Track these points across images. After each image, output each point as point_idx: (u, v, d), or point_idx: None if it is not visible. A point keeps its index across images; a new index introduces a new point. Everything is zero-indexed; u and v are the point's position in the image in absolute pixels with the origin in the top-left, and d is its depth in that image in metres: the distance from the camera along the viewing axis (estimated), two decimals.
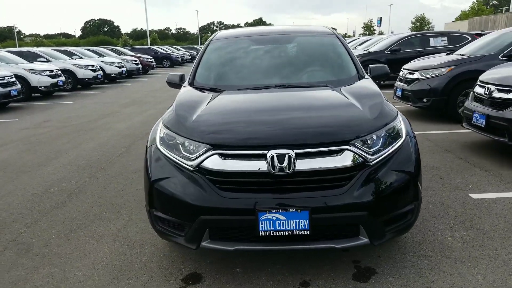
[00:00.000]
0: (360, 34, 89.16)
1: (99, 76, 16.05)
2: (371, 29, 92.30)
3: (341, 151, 2.37)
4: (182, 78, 3.76)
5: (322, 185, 2.36)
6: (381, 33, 73.86)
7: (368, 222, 2.36)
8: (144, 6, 48.76)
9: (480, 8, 55.28)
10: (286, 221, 2.32)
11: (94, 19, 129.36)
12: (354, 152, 2.38)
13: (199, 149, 2.47)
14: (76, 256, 3.05)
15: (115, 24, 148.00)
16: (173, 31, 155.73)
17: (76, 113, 9.90)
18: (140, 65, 21.67)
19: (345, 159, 2.37)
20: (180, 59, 32.79)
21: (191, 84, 3.47)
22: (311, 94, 3.08)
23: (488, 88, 4.91)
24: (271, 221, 2.32)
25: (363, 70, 3.55)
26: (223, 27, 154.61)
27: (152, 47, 34.19)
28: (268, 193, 2.36)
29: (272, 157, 2.32)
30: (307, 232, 2.32)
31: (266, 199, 2.33)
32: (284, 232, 2.33)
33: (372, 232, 2.39)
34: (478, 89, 5.20)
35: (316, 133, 2.44)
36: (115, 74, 18.00)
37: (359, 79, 3.39)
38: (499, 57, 6.94)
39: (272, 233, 2.33)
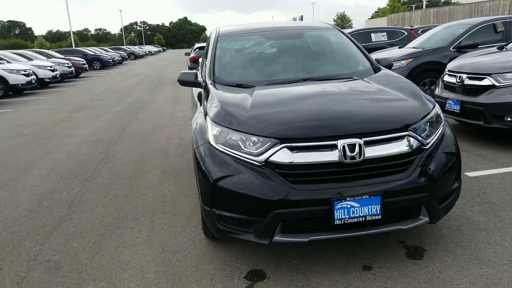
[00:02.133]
0: None
1: (33, 81, 14.77)
2: None
3: (403, 137, 2.51)
4: (196, 76, 3.66)
5: (388, 170, 2.47)
6: None
7: (428, 202, 2.53)
8: (60, 6, 45.62)
9: (395, 5, 59.64)
10: (360, 207, 2.40)
11: (3, 21, 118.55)
12: (413, 137, 2.53)
13: (264, 143, 2.46)
14: (117, 267, 2.86)
15: (27, 26, 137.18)
16: (93, 32, 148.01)
17: (24, 121, 9.08)
18: (73, 68, 20.34)
19: (406, 145, 2.50)
20: (111, 60, 31.27)
21: (214, 81, 3.39)
22: (352, 85, 3.18)
23: (460, 76, 5.40)
24: (346, 209, 2.39)
25: (375, 61, 3.73)
26: (147, 27, 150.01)
27: (80, 49, 32.12)
28: (341, 182, 2.42)
29: (344, 147, 2.38)
30: (379, 217, 2.43)
31: (339, 188, 2.39)
32: (358, 218, 2.41)
33: (431, 211, 2.56)
34: (448, 78, 5.68)
35: (381, 121, 2.55)
36: (48, 78, 16.68)
37: (376, 70, 3.55)
38: (450, 48, 7.64)
39: (347, 220, 2.40)
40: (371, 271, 2.63)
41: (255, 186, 2.42)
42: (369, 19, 70.51)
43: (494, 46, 6.76)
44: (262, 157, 2.44)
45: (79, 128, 8.03)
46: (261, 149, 2.46)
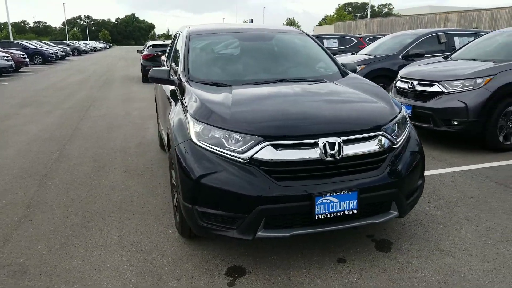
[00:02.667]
0: None
1: None
2: None
3: (376, 136, 2.67)
4: (169, 74, 3.62)
5: (363, 168, 2.62)
6: None
7: (398, 197, 2.71)
8: None
9: (342, 14, 62.07)
10: (339, 202, 2.53)
11: None
12: (385, 137, 2.70)
13: (248, 141, 2.51)
14: (90, 269, 2.77)
15: None
16: (31, 25, 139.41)
17: None
18: (13, 62, 19.04)
19: (378, 144, 2.67)
20: (53, 55, 29.62)
21: (190, 79, 3.38)
22: (325, 88, 3.30)
23: (411, 82, 5.77)
24: (326, 204, 2.51)
25: (342, 66, 3.90)
26: (92, 21, 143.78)
27: (20, 41, 30.04)
28: (321, 179, 2.53)
29: (325, 145, 2.50)
30: (356, 211, 2.57)
31: (320, 184, 2.50)
32: (337, 213, 2.54)
33: (400, 206, 2.74)
34: (401, 84, 6.06)
35: (357, 122, 2.70)
36: None
37: (343, 74, 3.72)
38: (399, 57, 8.13)
39: (326, 215, 2.52)
40: (345, 264, 2.77)
41: (240, 183, 2.46)
42: (316, 25, 72.80)
43: (438, 55, 7.29)
44: (247, 154, 2.49)
45: (27, 124, 7.57)
46: (244, 146, 2.51)
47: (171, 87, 3.65)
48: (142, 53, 16.52)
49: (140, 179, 4.51)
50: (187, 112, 2.84)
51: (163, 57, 6.22)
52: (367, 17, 52.99)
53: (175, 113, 3.11)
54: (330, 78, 3.54)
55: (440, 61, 6.40)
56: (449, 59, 6.53)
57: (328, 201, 2.51)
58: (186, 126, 2.77)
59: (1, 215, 3.64)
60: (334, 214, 2.53)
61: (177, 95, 3.34)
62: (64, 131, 6.96)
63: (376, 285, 2.53)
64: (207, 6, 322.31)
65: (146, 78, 14.99)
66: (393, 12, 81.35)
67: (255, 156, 2.48)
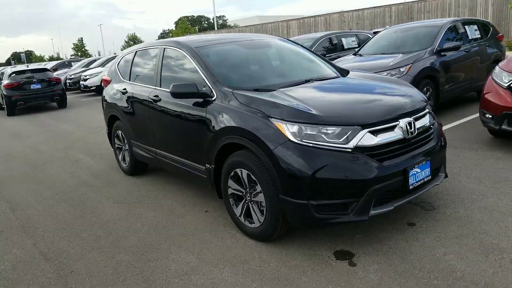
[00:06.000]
0: (72, 55, 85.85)
1: None
2: (83, 49, 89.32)
3: (427, 112, 3.24)
4: (197, 87, 3.50)
5: (426, 140, 3.16)
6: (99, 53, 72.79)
7: (445, 161, 3.34)
8: None
9: (186, 27, 63.08)
10: (421, 172, 3.00)
11: None
12: (429, 113, 3.29)
13: (347, 131, 2.77)
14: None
15: None
16: None
17: None
18: None
19: (429, 118, 3.25)
20: None
21: (234, 88, 3.37)
22: (357, 81, 3.77)
23: None
24: (415, 175, 2.95)
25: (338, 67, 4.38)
26: None
27: None
28: (406, 154, 2.96)
29: (405, 125, 2.93)
30: (430, 177, 3.09)
31: (408, 159, 2.93)
32: (420, 181, 3.01)
33: (445, 168, 3.37)
34: None
35: (415, 102, 3.21)
36: None
37: (344, 74, 4.15)
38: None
39: (415, 184, 2.96)
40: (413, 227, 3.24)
41: (352, 170, 2.72)
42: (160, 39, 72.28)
43: (345, 54, 8.44)
44: (352, 143, 2.75)
45: None
46: (345, 137, 2.76)
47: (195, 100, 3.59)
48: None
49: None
50: (268, 117, 2.91)
51: (104, 77, 5.78)
52: (207, 30, 55.39)
53: (226, 121, 3.19)
54: (344, 75, 3.99)
55: (356, 58, 7.44)
56: (358, 55, 7.64)
57: (416, 172, 2.95)
58: (270, 130, 2.87)
59: None
60: (419, 182, 3.00)
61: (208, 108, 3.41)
62: None
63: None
64: (22, 28, 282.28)
65: (12, 110, 13.12)
66: (228, 24, 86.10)
67: (359, 143, 2.76)
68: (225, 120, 3.24)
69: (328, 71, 4.10)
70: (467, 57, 7.17)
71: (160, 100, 4.10)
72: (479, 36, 7.74)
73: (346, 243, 3.07)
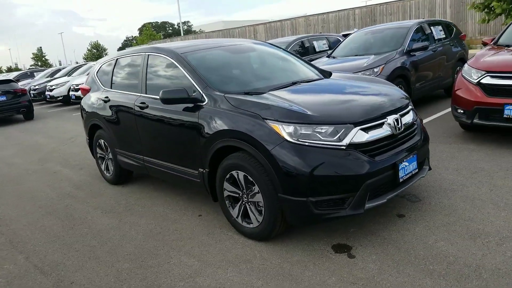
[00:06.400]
0: (31, 65, 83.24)
1: None
2: (43, 59, 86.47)
3: (410, 110, 3.42)
4: (187, 92, 3.54)
5: (411, 135, 3.34)
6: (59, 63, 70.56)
7: (428, 154, 3.53)
8: None
9: (151, 33, 62.37)
10: (409, 165, 3.17)
11: None
12: (412, 110, 3.48)
13: (340, 129, 2.89)
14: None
15: None
16: None
17: None
18: None
19: (413, 114, 3.44)
20: None
21: (225, 92, 3.42)
22: (345, 82, 3.93)
23: None
24: (404, 169, 3.12)
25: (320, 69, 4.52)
26: None
27: None
28: (394, 149, 3.11)
29: (393, 121, 3.10)
30: (416, 170, 3.27)
31: (396, 154, 3.09)
32: (408, 174, 3.18)
33: (429, 161, 3.56)
34: None
35: (400, 100, 3.39)
36: None
37: (327, 76, 4.29)
38: None
39: (404, 178, 3.13)
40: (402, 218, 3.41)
41: (347, 166, 2.85)
42: (127, 47, 71.46)
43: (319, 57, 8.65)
44: (345, 141, 2.88)
45: None
46: (339, 135, 2.89)
47: (177, 109, 3.67)
48: None
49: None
50: (264, 119, 2.99)
51: (82, 86, 5.70)
52: (172, 36, 55.11)
53: (220, 125, 3.26)
54: (327, 77, 4.13)
55: (330, 60, 7.65)
56: (332, 57, 7.86)
57: (404, 166, 3.12)
58: (266, 132, 2.95)
59: None
60: (408, 175, 3.17)
61: (199, 112, 3.47)
62: None
63: None
64: None
65: None
66: (193, 29, 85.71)
67: (352, 141, 2.89)
68: (219, 124, 3.29)
69: (312, 73, 4.23)
70: (434, 57, 7.53)
71: (147, 107, 4.11)
72: (444, 36, 8.15)
73: (342, 237, 3.19)
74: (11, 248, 3.69)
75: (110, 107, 4.75)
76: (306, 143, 2.86)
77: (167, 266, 3.08)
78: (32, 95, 17.84)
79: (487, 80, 4.84)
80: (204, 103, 3.49)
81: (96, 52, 75.69)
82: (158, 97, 3.98)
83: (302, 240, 3.20)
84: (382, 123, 3.07)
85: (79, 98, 13.27)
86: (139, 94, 4.31)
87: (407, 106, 3.40)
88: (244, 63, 4.24)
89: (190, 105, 3.59)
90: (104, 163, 5.30)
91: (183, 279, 2.88)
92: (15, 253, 3.58)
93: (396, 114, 3.19)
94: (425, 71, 7.33)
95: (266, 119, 3.00)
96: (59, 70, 20.81)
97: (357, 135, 2.92)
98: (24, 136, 10.21)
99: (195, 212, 4.00)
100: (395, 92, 3.58)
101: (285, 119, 2.95)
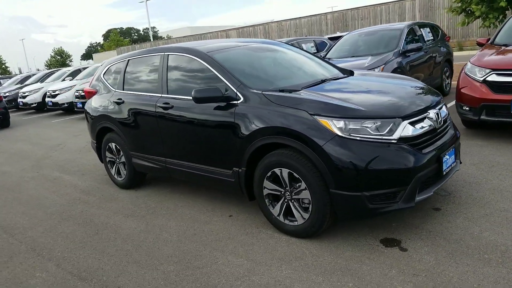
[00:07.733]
0: None
1: None
2: (3, 66, 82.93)
3: (443, 105, 3.53)
4: (221, 91, 3.48)
5: (448, 129, 3.42)
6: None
7: (460, 148, 3.64)
8: None
9: (119, 39, 61.14)
10: (449, 158, 3.25)
11: None
12: (445, 105, 3.58)
13: (389, 123, 2.92)
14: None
15: None
16: None
17: None
18: None
19: (446, 108, 3.54)
20: None
21: (264, 90, 3.40)
22: (372, 78, 4.00)
23: None
24: (446, 161, 3.20)
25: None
26: None
27: None
28: (437, 142, 3.19)
29: (434, 115, 3.18)
30: (454, 164, 3.37)
31: (439, 147, 3.16)
32: (449, 166, 3.26)
33: (460, 155, 3.67)
34: None
35: (436, 95, 3.48)
36: None
37: (351, 73, 4.33)
38: None
39: (446, 170, 3.20)
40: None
41: (399, 160, 2.88)
42: (93, 53, 69.79)
43: None
44: (396, 135, 2.92)
45: None
46: (388, 128, 2.92)
47: (208, 109, 3.63)
48: None
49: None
50: (312, 115, 2.98)
51: (87, 89, 5.51)
52: (137, 42, 54.35)
53: (261, 123, 3.22)
54: (351, 74, 4.18)
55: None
56: (327, 59, 7.95)
57: (446, 158, 3.20)
58: (316, 127, 2.94)
59: None
60: (449, 168, 3.25)
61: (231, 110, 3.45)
62: None
63: None
64: None
65: None
66: (159, 35, 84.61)
67: (401, 134, 2.93)
68: (260, 122, 3.25)
69: (336, 71, 4.27)
70: (426, 57, 7.79)
71: (172, 107, 4.01)
72: (432, 37, 8.45)
73: (387, 231, 3.22)
74: (36, 255, 3.49)
75: (125, 109, 4.60)
76: (358, 138, 2.88)
77: (215, 266, 3.01)
78: None
79: (493, 77, 5.04)
80: (239, 102, 3.45)
81: (60, 58, 73.40)
82: (183, 97, 3.94)
83: (347, 236, 3.21)
84: (425, 117, 3.14)
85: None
86: (160, 95, 4.20)
87: (441, 100, 3.50)
88: (269, 61, 4.22)
89: (223, 104, 3.54)
90: (114, 167, 5.12)
91: (238, 278, 2.82)
92: (43, 261, 3.38)
93: (435, 108, 3.27)
94: (419, 71, 7.55)
95: (315, 114, 3.00)
96: (29, 76, 20.03)
97: (406, 129, 2.97)
98: (6, 144, 9.71)
99: (225, 213, 3.93)
100: (428, 88, 3.67)
101: (334, 114, 2.95)
